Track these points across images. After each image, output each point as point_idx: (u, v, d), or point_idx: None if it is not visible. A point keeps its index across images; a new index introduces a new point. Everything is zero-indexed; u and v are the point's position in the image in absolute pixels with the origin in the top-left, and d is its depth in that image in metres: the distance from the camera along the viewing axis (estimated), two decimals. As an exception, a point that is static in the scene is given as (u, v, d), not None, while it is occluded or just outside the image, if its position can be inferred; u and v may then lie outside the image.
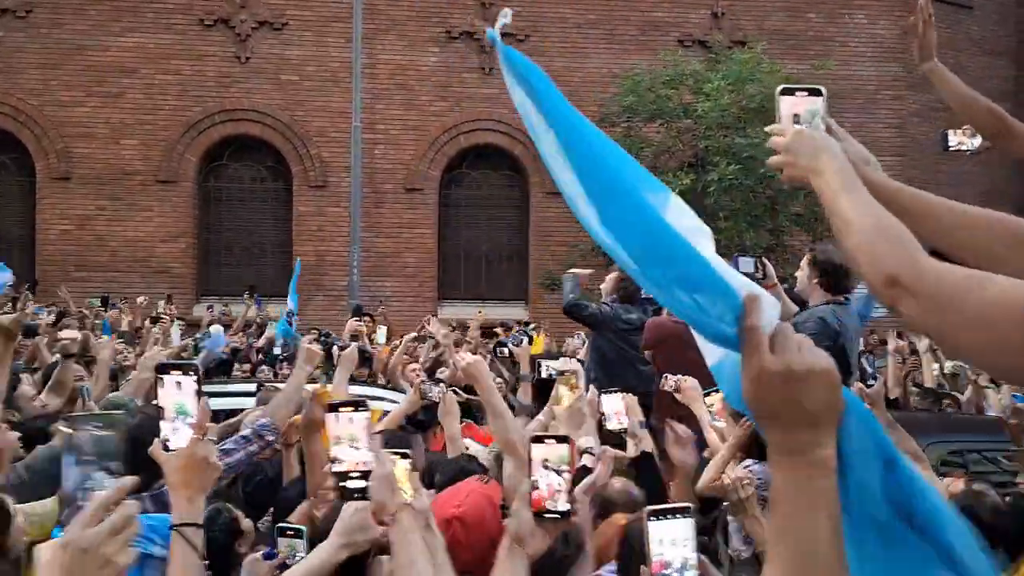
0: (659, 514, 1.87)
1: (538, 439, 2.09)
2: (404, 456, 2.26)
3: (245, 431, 3.74)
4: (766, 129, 1.74)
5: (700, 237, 1.27)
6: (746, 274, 5.20)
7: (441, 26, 16.25)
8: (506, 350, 8.81)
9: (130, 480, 1.48)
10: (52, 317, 8.96)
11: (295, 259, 14.45)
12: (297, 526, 2.84)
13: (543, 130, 1.40)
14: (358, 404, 2.10)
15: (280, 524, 2.90)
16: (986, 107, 3.05)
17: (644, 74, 14.30)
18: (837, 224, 1.47)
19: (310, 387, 3.86)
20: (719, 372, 1.26)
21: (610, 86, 15.07)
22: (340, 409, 2.10)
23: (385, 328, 10.04)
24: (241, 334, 11.42)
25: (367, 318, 13.55)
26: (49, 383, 5.41)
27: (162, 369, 2.00)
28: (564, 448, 2.05)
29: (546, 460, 2.03)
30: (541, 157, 1.42)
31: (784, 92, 1.78)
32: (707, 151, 13.64)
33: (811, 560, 1.07)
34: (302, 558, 2.67)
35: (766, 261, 5.32)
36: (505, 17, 1.49)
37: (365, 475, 2.05)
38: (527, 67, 1.46)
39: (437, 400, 4.30)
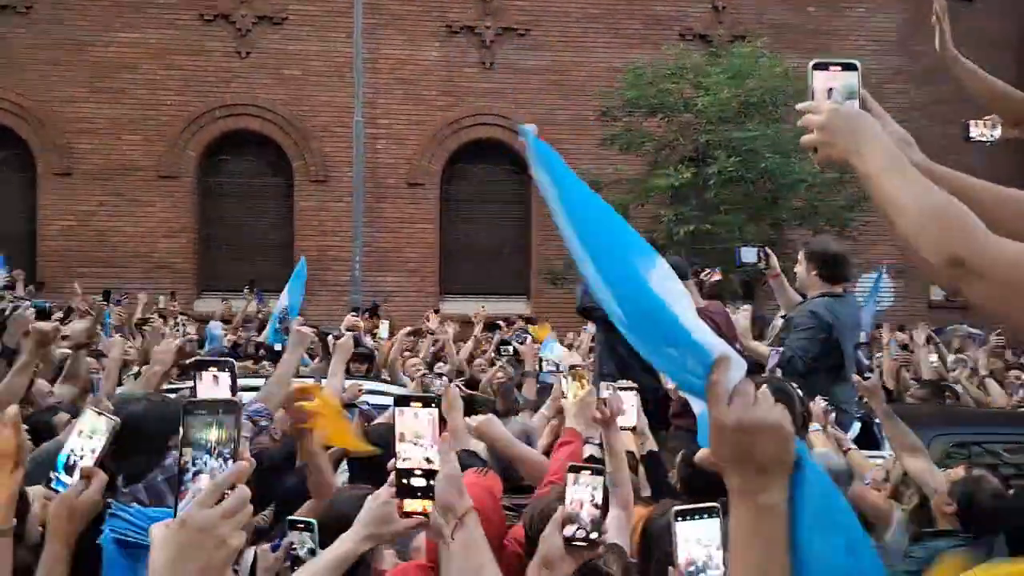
0: (687, 514, 1.85)
1: (575, 468, 2.10)
2: (428, 403, 2.12)
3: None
4: (798, 107, 1.64)
5: (682, 299, 1.36)
6: (747, 263, 5.20)
7: (442, 20, 16.28)
8: (511, 348, 8.88)
9: (247, 464, 1.40)
10: (60, 313, 9.01)
11: (297, 254, 14.51)
12: (307, 519, 2.82)
13: (557, 205, 1.54)
14: (427, 400, 1.98)
15: (290, 518, 2.88)
16: (1021, 97, 3.08)
17: (646, 68, 14.29)
18: (885, 207, 1.43)
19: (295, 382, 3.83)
20: (701, 420, 1.33)
21: (612, 80, 15.07)
22: (410, 403, 1.97)
23: (388, 323, 10.05)
24: (241, 329, 11.43)
25: (366, 314, 13.63)
26: (63, 374, 5.47)
27: (200, 365, 2.05)
28: (599, 479, 2.10)
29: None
30: (558, 227, 1.55)
31: (817, 67, 1.69)
32: (707, 145, 13.63)
33: None
34: (311, 550, 2.68)
35: (769, 251, 5.35)
36: (532, 129, 1.71)
37: (428, 474, 1.94)
38: (549, 153, 1.62)
39: (439, 394, 4.28)
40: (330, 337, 7.53)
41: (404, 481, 1.93)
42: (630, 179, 14.49)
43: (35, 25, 15.49)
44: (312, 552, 2.69)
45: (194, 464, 1.42)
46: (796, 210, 14.20)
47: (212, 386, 1.99)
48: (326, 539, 2.52)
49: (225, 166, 16.47)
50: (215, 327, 12.06)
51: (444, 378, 7.59)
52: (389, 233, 16.17)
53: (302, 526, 2.76)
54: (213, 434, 1.43)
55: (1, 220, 16.03)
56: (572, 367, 3.95)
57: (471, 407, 5.40)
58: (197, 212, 16.13)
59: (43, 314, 5.08)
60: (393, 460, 1.95)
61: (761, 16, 16.81)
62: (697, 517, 1.84)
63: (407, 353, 8.59)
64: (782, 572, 1.20)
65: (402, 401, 1.97)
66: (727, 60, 14.00)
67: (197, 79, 15.88)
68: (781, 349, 4.78)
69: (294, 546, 2.77)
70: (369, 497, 2.19)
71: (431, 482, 1.92)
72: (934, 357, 8.34)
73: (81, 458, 1.97)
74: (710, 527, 1.83)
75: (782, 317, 5.45)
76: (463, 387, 7.52)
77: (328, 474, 3.49)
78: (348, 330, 8.32)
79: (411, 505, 2.02)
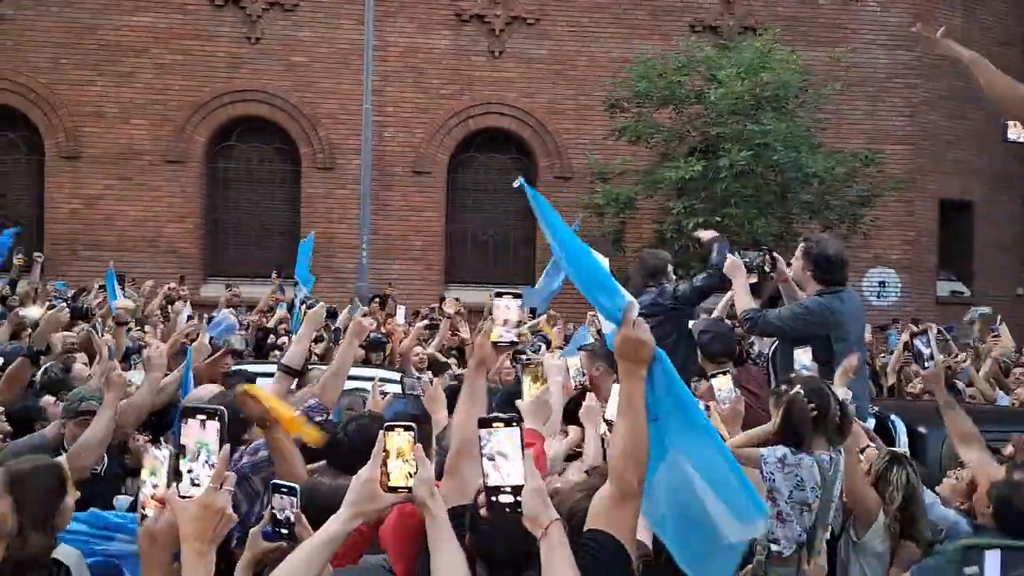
0: None
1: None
2: (408, 428, 2.32)
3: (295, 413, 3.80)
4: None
5: (606, 267, 2.55)
6: (748, 264, 5.30)
7: (451, 8, 16.36)
8: (525, 357, 8.93)
9: (227, 448, 1.97)
10: (71, 292, 9.13)
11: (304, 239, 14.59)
12: (291, 484, 2.85)
13: (550, 238, 2.54)
14: (510, 420, 2.11)
15: (274, 482, 2.92)
16: None
17: (656, 60, 14.35)
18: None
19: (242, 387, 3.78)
20: (608, 336, 2.39)
21: (620, 71, 15.14)
22: (492, 424, 2.12)
23: (404, 308, 10.11)
24: (260, 316, 11.34)
25: (377, 300, 13.73)
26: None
27: (188, 412, 2.00)
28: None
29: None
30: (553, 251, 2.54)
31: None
32: (718, 138, 13.69)
33: (639, 428, 2.24)
34: (292, 514, 2.77)
35: (777, 256, 5.39)
36: (521, 180, 2.60)
37: (515, 490, 2.07)
38: (543, 204, 2.53)
39: (420, 392, 4.32)
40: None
41: (493, 499, 2.09)
42: (638, 171, 14.56)
43: (44, 8, 15.62)
44: (290, 518, 2.78)
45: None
46: (806, 204, 14.28)
47: (198, 430, 1.98)
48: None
49: (232, 152, 16.59)
50: (225, 314, 11.81)
51: (428, 374, 7.56)
52: (395, 221, 16.28)
53: (285, 490, 2.81)
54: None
55: (9, 203, 16.21)
56: (527, 362, 3.97)
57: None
58: (204, 197, 16.26)
59: (81, 314, 5.17)
60: (481, 479, 2.11)
61: (772, 8, 16.88)
62: None
63: (419, 349, 8.64)
64: (645, 416, 2.25)
65: (485, 423, 2.14)
66: (738, 53, 14.03)
67: (206, 64, 15.99)
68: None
69: (275, 510, 2.83)
70: (354, 477, 2.31)
71: (518, 498, 2.06)
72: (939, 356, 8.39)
73: (154, 490, 2.05)
74: None
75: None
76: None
77: (298, 464, 3.54)
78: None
79: (396, 480, 2.28)
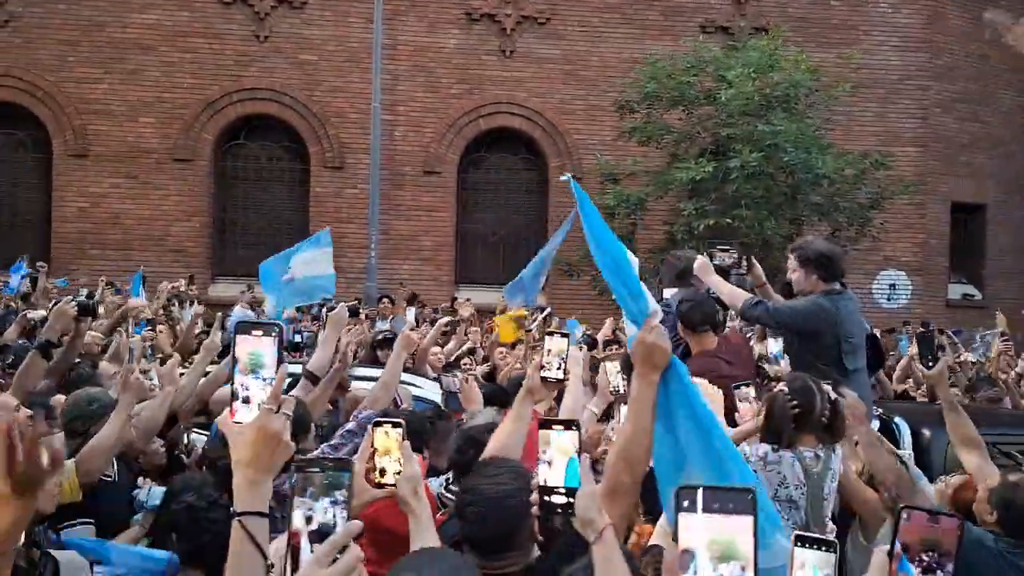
0: (806, 542, 1.86)
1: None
2: (396, 425, 2.38)
3: (349, 425, 3.85)
4: None
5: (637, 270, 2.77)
6: (722, 266, 5.31)
7: (462, 7, 16.39)
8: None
9: (359, 524, 1.56)
10: (84, 292, 9.13)
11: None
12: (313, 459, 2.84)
13: (590, 236, 2.74)
14: (569, 424, 2.16)
15: (299, 458, 2.88)
16: None
17: (666, 60, 14.36)
18: None
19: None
20: (630, 340, 2.59)
21: (630, 71, 15.16)
22: (552, 426, 2.16)
23: (413, 310, 10.12)
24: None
25: (386, 300, 13.75)
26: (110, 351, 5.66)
27: (243, 328, 1.82)
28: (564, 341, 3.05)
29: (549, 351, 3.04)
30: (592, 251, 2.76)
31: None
32: (728, 139, 13.70)
33: (647, 423, 2.39)
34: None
35: (754, 261, 5.38)
36: (567, 175, 2.92)
37: (569, 492, 2.10)
38: (587, 202, 2.77)
39: (457, 390, 4.45)
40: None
41: (546, 498, 2.12)
42: (649, 172, 14.57)
43: (52, 6, 15.68)
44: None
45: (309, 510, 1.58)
46: (816, 206, 14.28)
47: (252, 342, 1.79)
48: None
49: (241, 150, 16.64)
50: (240, 313, 11.72)
51: (460, 374, 7.61)
52: (405, 221, 16.31)
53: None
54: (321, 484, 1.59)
55: (17, 201, 16.23)
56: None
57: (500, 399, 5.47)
58: (212, 196, 16.30)
59: (87, 310, 5.14)
60: (535, 479, 2.15)
61: (784, 9, 16.92)
62: (816, 548, 1.85)
63: (436, 351, 8.64)
64: (653, 415, 2.41)
65: (545, 424, 2.17)
66: (748, 53, 14.03)
67: (214, 62, 16.03)
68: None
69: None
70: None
71: (571, 499, 2.09)
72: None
73: None
74: (826, 560, 1.85)
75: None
76: (483, 379, 7.65)
77: None
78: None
79: (383, 476, 2.32)
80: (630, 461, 2.41)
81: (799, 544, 1.86)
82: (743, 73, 13.50)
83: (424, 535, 2.28)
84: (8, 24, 15.62)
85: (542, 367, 3.03)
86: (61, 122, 15.80)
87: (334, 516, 1.55)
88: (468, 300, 11.85)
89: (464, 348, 9.24)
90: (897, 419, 5.64)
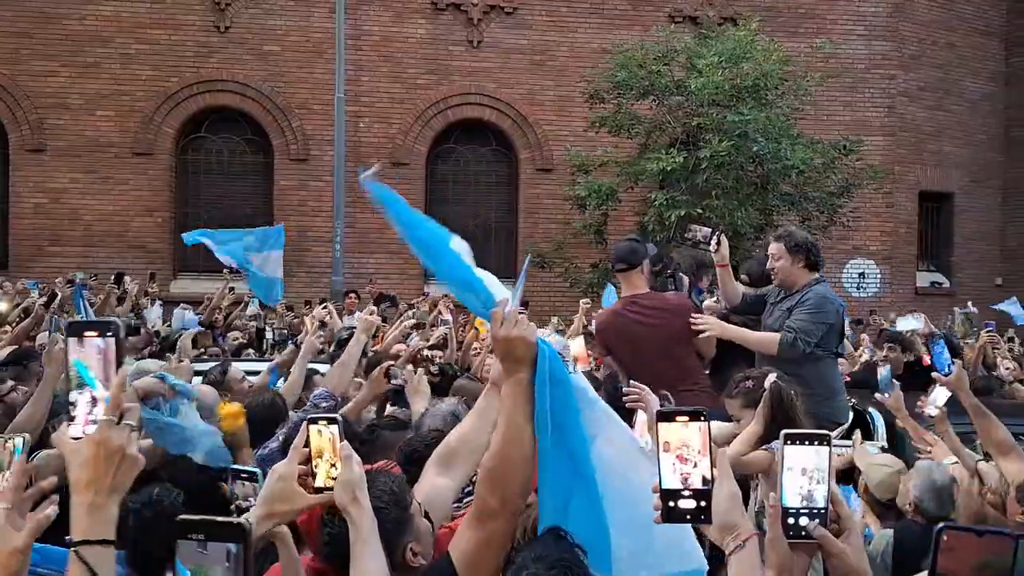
0: (796, 439, 1.78)
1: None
2: (332, 422, 2.17)
3: (306, 407, 3.97)
4: None
5: (470, 259, 2.34)
6: (697, 240, 5.37)
7: (427, -3, 16.40)
8: None
9: (124, 370, 1.65)
10: (43, 298, 8.98)
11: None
12: (251, 469, 2.79)
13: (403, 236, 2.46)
14: (697, 413, 1.83)
15: (234, 466, 2.86)
16: None
17: (635, 50, 14.48)
18: None
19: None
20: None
21: (598, 61, 15.27)
22: (676, 419, 1.83)
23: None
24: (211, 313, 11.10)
25: (352, 295, 13.74)
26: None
27: (74, 329, 1.65)
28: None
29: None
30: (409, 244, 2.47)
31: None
32: (699, 128, 13.87)
33: (518, 431, 2.10)
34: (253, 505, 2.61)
35: (723, 238, 5.44)
36: (362, 171, 2.47)
37: (699, 494, 1.80)
38: (392, 200, 2.44)
39: (403, 382, 4.39)
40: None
41: (671, 504, 1.82)
42: (619, 162, 14.70)
43: (5, -4, 15.43)
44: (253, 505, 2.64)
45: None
46: (786, 196, 14.49)
47: (79, 350, 1.63)
48: None
49: (202, 143, 16.58)
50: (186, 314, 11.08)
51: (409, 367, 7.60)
52: (372, 214, 16.25)
53: (246, 476, 2.75)
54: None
55: (-28, 197, 16.00)
56: None
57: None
58: (173, 190, 16.24)
59: (133, 330, 5.13)
60: (656, 481, 1.84)
61: (751, -1, 17.11)
62: (807, 443, 1.77)
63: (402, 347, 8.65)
64: (527, 419, 2.11)
65: (666, 416, 1.85)
66: (720, 42, 14.21)
67: (174, 54, 15.95)
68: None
69: (235, 495, 2.82)
70: (269, 472, 2.18)
71: (702, 503, 1.80)
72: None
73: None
74: (820, 455, 1.76)
75: (726, 309, 5.53)
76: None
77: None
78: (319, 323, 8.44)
79: (319, 480, 2.13)
80: (497, 480, 2.11)
81: (788, 442, 1.76)
82: (714, 62, 13.66)
83: (366, 547, 2.06)
84: (-40, 17, 15.43)
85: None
86: (17, 116, 15.64)
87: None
88: (446, 296, 11.87)
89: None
90: (871, 410, 5.70)
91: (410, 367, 6.95)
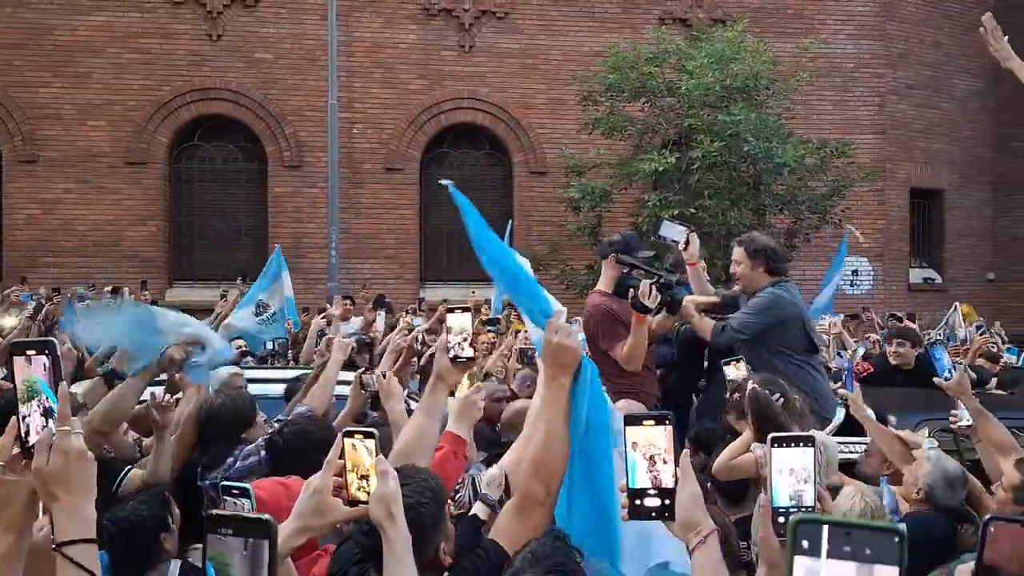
0: (782, 441, 1.93)
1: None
2: (369, 436, 2.20)
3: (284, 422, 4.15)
4: None
5: (530, 273, 2.91)
6: (669, 239, 5.60)
7: (418, 2, 16.62)
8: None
9: (64, 386, 1.77)
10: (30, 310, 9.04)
11: (271, 241, 14.77)
12: (243, 485, 2.78)
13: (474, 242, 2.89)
14: (661, 417, 1.98)
15: (224, 483, 2.88)
16: None
17: (627, 52, 14.68)
18: None
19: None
20: (537, 343, 2.78)
21: (591, 64, 15.48)
22: (642, 423, 1.97)
23: (383, 314, 10.21)
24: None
25: (348, 301, 13.87)
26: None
27: (15, 348, 1.78)
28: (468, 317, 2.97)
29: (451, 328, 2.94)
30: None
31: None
32: (691, 129, 14.07)
33: (560, 429, 2.41)
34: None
35: (695, 236, 5.67)
36: (447, 181, 3.02)
37: (663, 493, 1.94)
38: (469, 209, 2.93)
39: (376, 388, 4.41)
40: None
41: (637, 502, 1.96)
42: (612, 163, 14.89)
43: (-3, 7, 15.55)
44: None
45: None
46: (778, 196, 14.70)
47: (26, 368, 1.77)
48: None
49: (196, 152, 16.73)
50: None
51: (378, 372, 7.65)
52: (367, 219, 16.49)
53: (237, 492, 2.75)
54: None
55: (-35, 209, 16.09)
56: (531, 359, 3.99)
57: None
58: (167, 199, 16.37)
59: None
60: (623, 480, 1.99)
61: (740, 0, 17.32)
62: (793, 445, 1.93)
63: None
64: (565, 421, 2.42)
65: (633, 420, 1.99)
66: (710, 44, 14.41)
67: (166, 63, 16.10)
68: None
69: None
70: (303, 486, 2.22)
71: (667, 501, 1.94)
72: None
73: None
74: (805, 456, 1.93)
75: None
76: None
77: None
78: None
79: (355, 493, 2.15)
80: (543, 471, 2.38)
81: (775, 445, 1.93)
82: (704, 63, 13.87)
83: (400, 565, 2.06)
84: (-49, 28, 15.55)
85: (447, 348, 2.87)
86: (9, 127, 15.78)
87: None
88: (445, 300, 11.99)
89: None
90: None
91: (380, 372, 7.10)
